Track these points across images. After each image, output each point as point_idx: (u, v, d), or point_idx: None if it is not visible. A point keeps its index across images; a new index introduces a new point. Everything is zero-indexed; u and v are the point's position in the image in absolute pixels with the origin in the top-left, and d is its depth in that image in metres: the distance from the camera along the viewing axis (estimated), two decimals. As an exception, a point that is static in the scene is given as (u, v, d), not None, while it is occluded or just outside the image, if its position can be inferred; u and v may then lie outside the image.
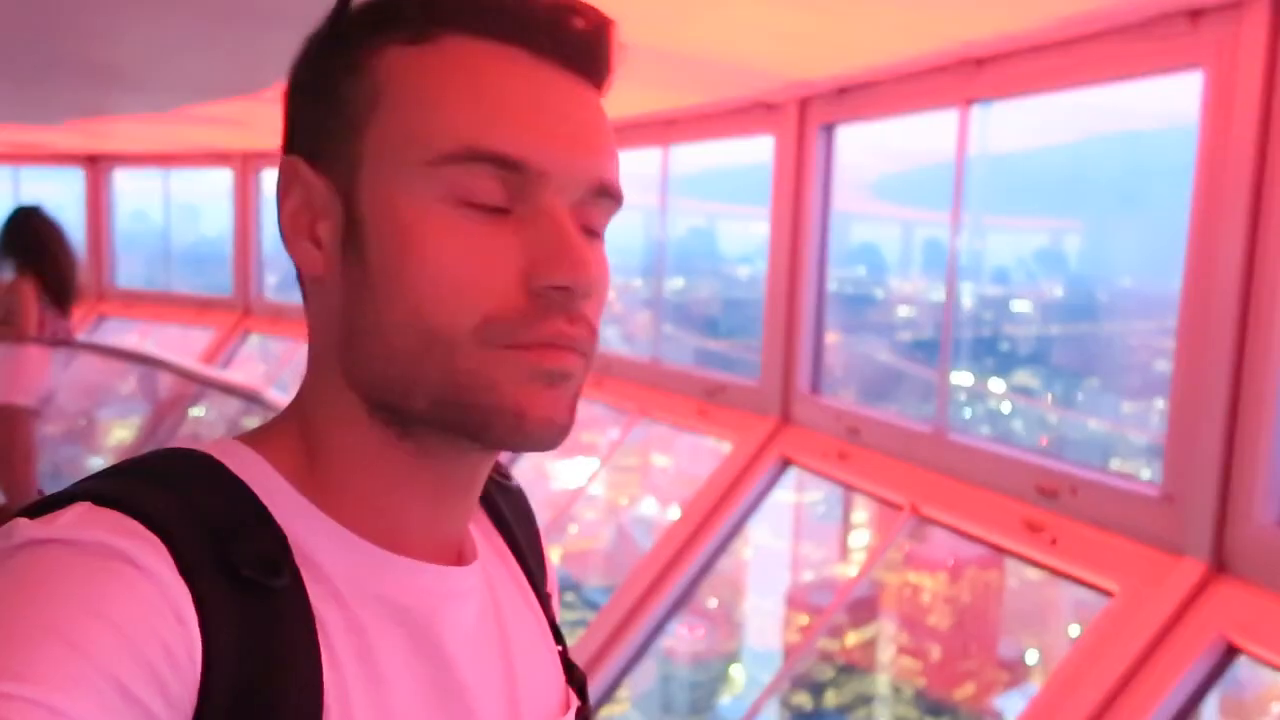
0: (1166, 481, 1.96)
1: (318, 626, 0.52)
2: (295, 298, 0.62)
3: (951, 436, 2.51)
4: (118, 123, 4.64)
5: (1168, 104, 2.52)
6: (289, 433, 0.59)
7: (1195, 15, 1.85)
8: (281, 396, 4.15)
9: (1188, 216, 1.87)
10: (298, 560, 0.53)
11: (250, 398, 3.51)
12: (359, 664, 0.54)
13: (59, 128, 5.03)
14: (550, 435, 0.55)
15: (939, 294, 4.01)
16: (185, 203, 6.80)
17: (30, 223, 4.21)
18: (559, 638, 0.71)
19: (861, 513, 3.77)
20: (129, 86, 3.60)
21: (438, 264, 0.53)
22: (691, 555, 3.00)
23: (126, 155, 6.23)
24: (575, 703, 0.69)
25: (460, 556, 0.62)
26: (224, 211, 5.98)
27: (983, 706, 3.24)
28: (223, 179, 5.93)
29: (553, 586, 0.75)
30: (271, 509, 0.54)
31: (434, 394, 0.54)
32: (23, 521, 0.48)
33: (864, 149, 3.43)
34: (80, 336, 5.30)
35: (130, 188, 6.62)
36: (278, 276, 5.98)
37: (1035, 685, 3.09)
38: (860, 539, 3.90)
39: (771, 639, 4.06)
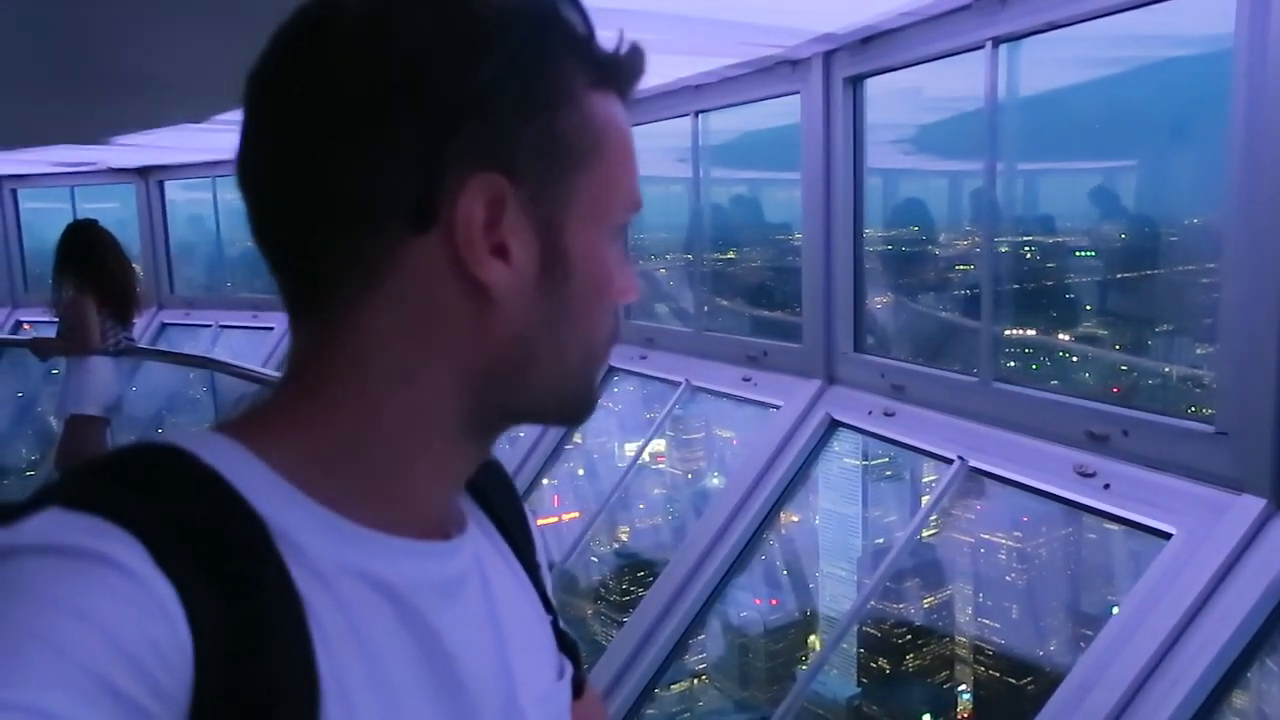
0: (1220, 418, 1.89)
1: (306, 609, 0.53)
2: None
3: (997, 386, 2.45)
4: (163, 134, 4.75)
5: (1208, 25, 2.41)
6: (289, 424, 0.58)
7: (1223, -73, 1.76)
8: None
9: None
10: (280, 545, 0.53)
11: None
12: (350, 642, 0.54)
13: (108, 146, 5.17)
14: None
15: (1004, 247, 3.90)
16: (238, 208, 6.96)
17: (85, 237, 4.35)
18: (549, 606, 0.72)
19: (930, 475, 3.72)
20: (169, 99, 3.69)
21: (611, 298, 0.63)
22: (744, 519, 2.99)
23: (175, 166, 6.38)
24: (569, 669, 0.70)
25: (446, 532, 0.63)
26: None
27: (1066, 664, 3.17)
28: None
29: (540, 557, 0.75)
30: (249, 496, 0.54)
31: (566, 397, 0.64)
32: None
33: (901, 103, 3.35)
34: (143, 344, 5.48)
35: (183, 197, 6.78)
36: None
37: (1119, 640, 3.02)
38: (929, 502, 3.86)
39: (846, 605, 4.04)
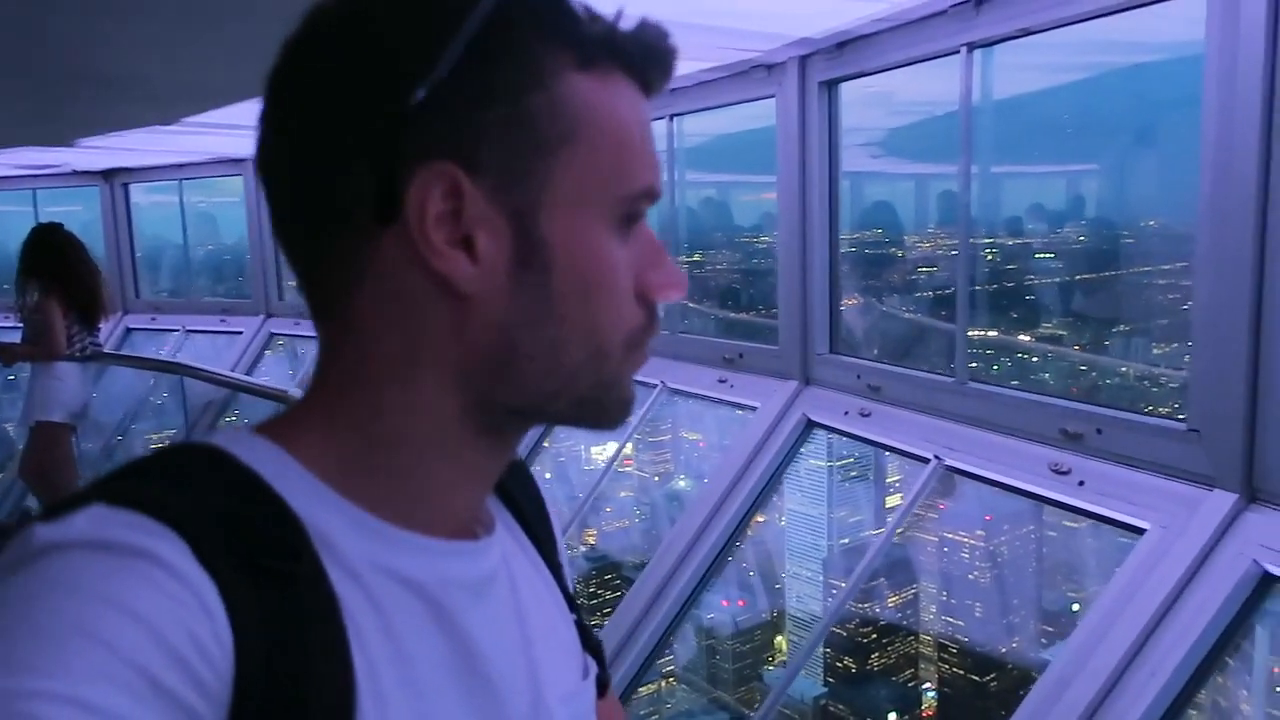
0: (1192, 416, 1.93)
1: (340, 606, 0.53)
2: None
3: (972, 386, 2.49)
4: (129, 136, 4.68)
5: (1173, 33, 2.47)
6: (323, 423, 0.59)
7: (1194, -64, 1.81)
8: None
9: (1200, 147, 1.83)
10: (315, 543, 0.54)
11: (279, 399, 3.55)
12: (383, 640, 0.55)
13: (73, 148, 5.09)
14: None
15: (954, 249, 3.95)
16: (203, 211, 6.87)
17: (51, 240, 4.28)
18: (573, 605, 0.72)
19: (895, 475, 3.76)
20: (135, 99, 3.64)
21: (611, 289, 0.59)
22: (721, 520, 3.00)
23: (141, 169, 6.29)
24: (594, 669, 0.70)
25: (474, 533, 0.64)
26: (239, 218, 6.04)
27: (1029, 660, 3.22)
28: (235, 185, 5.98)
29: (562, 556, 0.76)
30: (286, 497, 0.54)
31: (580, 397, 0.60)
32: (38, 527, 0.49)
33: (870, 107, 3.39)
34: (109, 349, 5.39)
35: (148, 200, 6.69)
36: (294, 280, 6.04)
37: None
38: (895, 501, 3.90)
39: (813, 606, 4.07)
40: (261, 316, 5.90)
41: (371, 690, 0.53)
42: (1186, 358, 3.08)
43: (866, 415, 2.78)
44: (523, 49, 0.54)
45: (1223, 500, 1.84)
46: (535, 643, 0.64)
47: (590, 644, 0.72)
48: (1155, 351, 3.37)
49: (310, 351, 5.91)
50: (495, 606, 0.62)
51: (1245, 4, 1.73)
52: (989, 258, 3.89)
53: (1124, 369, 3.37)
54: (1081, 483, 2.12)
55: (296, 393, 3.83)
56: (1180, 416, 2.02)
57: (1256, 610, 1.77)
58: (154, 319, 6.46)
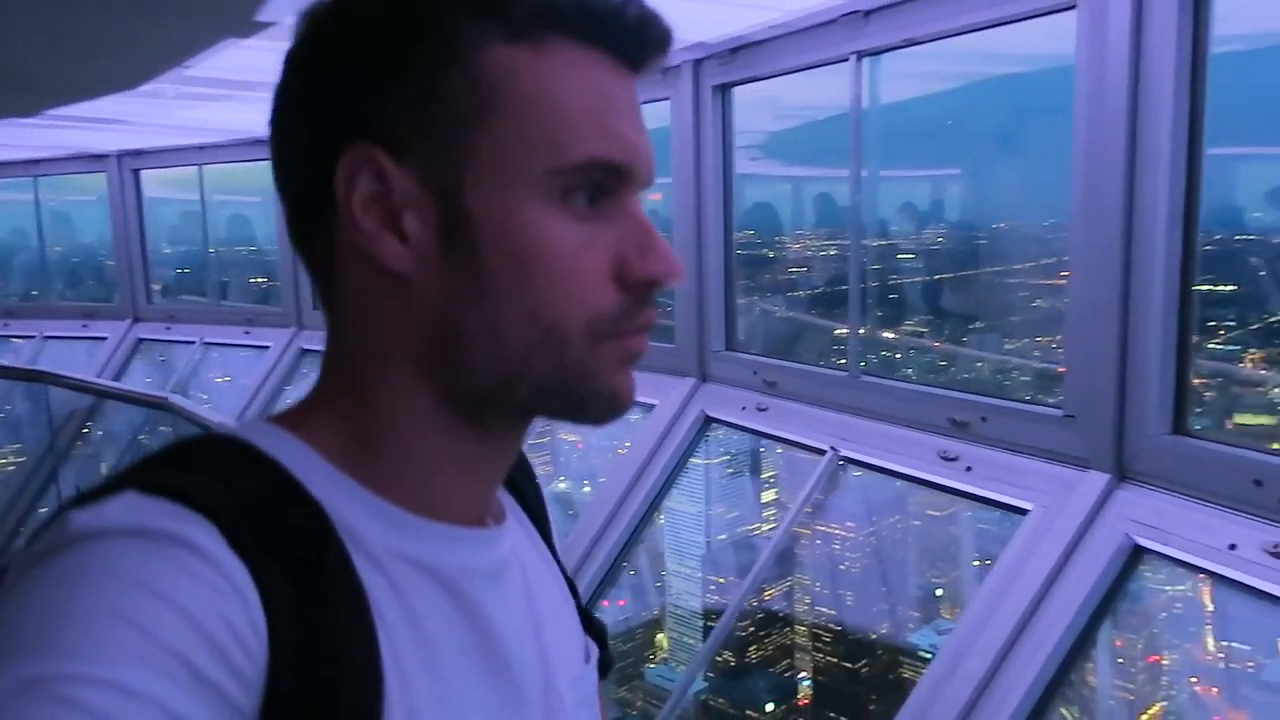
0: (1068, 402, 2.08)
1: (366, 594, 0.54)
2: (184, 302, 0.61)
3: (865, 379, 2.60)
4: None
5: (1035, 46, 2.63)
6: (330, 413, 0.60)
7: (1066, -43, 1.95)
8: (189, 402, 4.02)
9: (1059, 154, 1.97)
10: (340, 532, 0.55)
11: (157, 405, 3.39)
12: (407, 626, 0.56)
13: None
14: (627, 409, 0.60)
15: (830, 249, 4.09)
16: (55, 210, 6.47)
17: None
18: (574, 590, 0.74)
19: (770, 471, 3.88)
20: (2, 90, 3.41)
21: (557, 266, 0.55)
22: (621, 521, 3.04)
23: (-7, 163, 5.89)
24: (595, 652, 0.72)
25: (487, 520, 0.65)
26: (96, 217, 5.72)
27: (898, 644, 3.38)
28: (92, 183, 5.66)
29: (557, 543, 0.77)
30: (308, 485, 0.55)
31: (540, 384, 0.57)
32: (73, 514, 0.49)
33: (753, 110, 3.49)
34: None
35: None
36: (161, 283, 5.76)
37: (945, 619, 3.24)
38: (770, 496, 4.03)
39: (692, 603, 4.15)
40: (129, 321, 5.60)
41: (398, 675, 0.54)
42: (1036, 352, 3.31)
43: (764, 410, 2.87)
44: (439, 27, 0.54)
45: (1097, 480, 1.99)
46: (545, 627, 0.66)
47: (593, 628, 0.74)
48: (1007, 346, 3.59)
49: (183, 357, 5.66)
50: (509, 592, 0.63)
51: (1112, 22, 1.88)
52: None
53: (980, 364, 3.57)
54: (969, 468, 2.26)
55: (176, 398, 3.66)
56: (1041, 404, 2.17)
57: (1129, 579, 1.93)
58: (6, 324, 6.05)
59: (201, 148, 5.20)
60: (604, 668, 0.74)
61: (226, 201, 5.90)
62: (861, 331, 2.71)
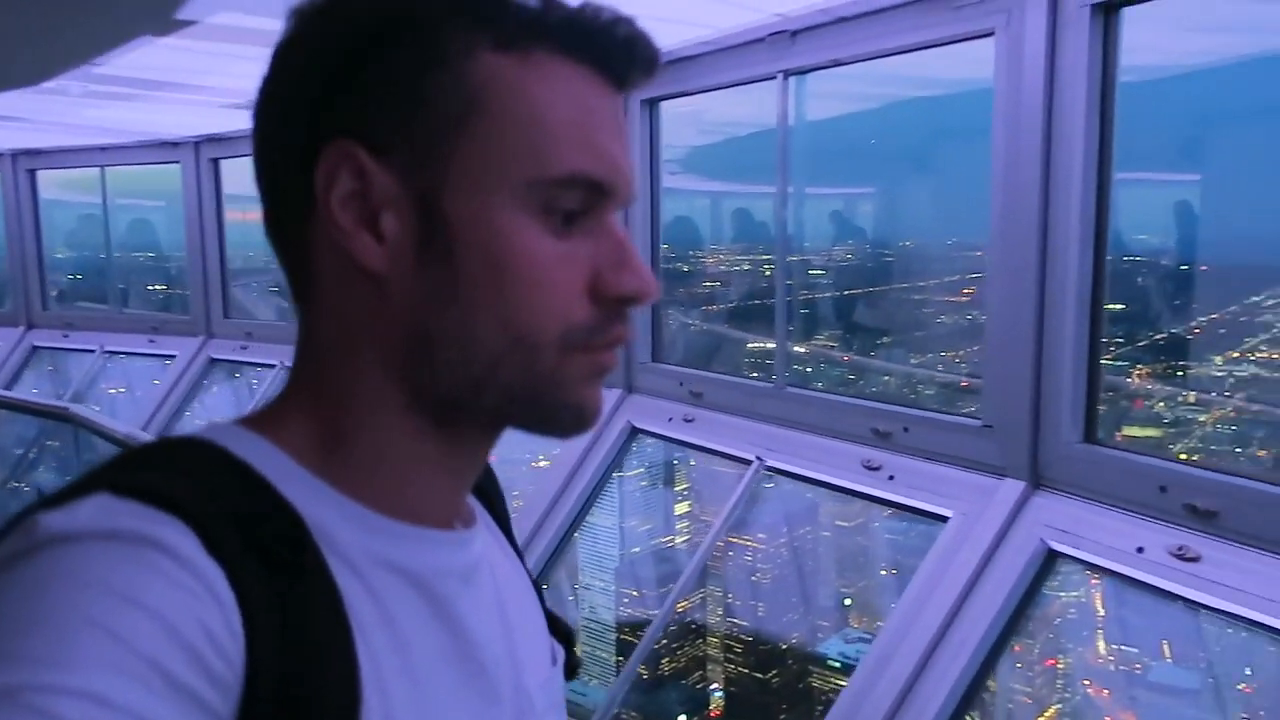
0: (986, 413, 2.16)
1: (343, 598, 0.53)
2: (82, 308, 0.60)
3: (790, 390, 2.65)
4: None
5: (950, 70, 2.74)
6: (300, 413, 0.59)
7: (986, -14, 2.04)
8: (93, 412, 3.84)
9: (965, 175, 2.05)
10: (314, 535, 0.54)
11: (57, 416, 3.23)
12: (383, 630, 0.55)
13: None
14: (595, 423, 0.61)
15: (745, 264, 4.16)
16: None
17: None
18: (539, 593, 0.74)
19: (684, 483, 3.92)
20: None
21: (531, 276, 0.56)
22: (547, 533, 3.03)
23: None
24: (561, 654, 0.72)
25: (457, 524, 0.64)
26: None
27: (806, 654, 3.44)
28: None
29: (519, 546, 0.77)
30: (281, 489, 0.54)
31: (508, 393, 0.57)
32: (42, 516, 0.47)
33: (677, 125, 3.54)
34: None
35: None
36: (56, 289, 5.50)
37: (853, 627, 3.31)
38: (684, 509, 4.08)
39: (605, 615, 4.16)
40: (22, 328, 5.34)
41: (375, 680, 0.53)
42: (940, 366, 3.43)
43: (690, 421, 2.90)
44: (428, 30, 0.54)
45: (1013, 488, 2.08)
46: (514, 630, 0.66)
47: (559, 631, 0.74)
48: (913, 361, 3.73)
49: (79, 366, 5.41)
50: (481, 594, 0.63)
51: (1028, 49, 1.97)
52: (767, 273, 4.15)
53: (887, 378, 3.69)
54: (891, 477, 2.32)
55: (77, 408, 3.50)
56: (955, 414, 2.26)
57: (1045, 582, 2.01)
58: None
59: (105, 149, 5.00)
60: (570, 670, 0.75)
61: (128, 205, 5.69)
62: (791, 345, 2.76)
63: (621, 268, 0.58)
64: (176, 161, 4.80)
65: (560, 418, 0.59)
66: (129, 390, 5.44)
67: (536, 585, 0.74)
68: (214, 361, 4.84)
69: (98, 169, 5.20)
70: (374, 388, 0.58)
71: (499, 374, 0.56)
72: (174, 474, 0.51)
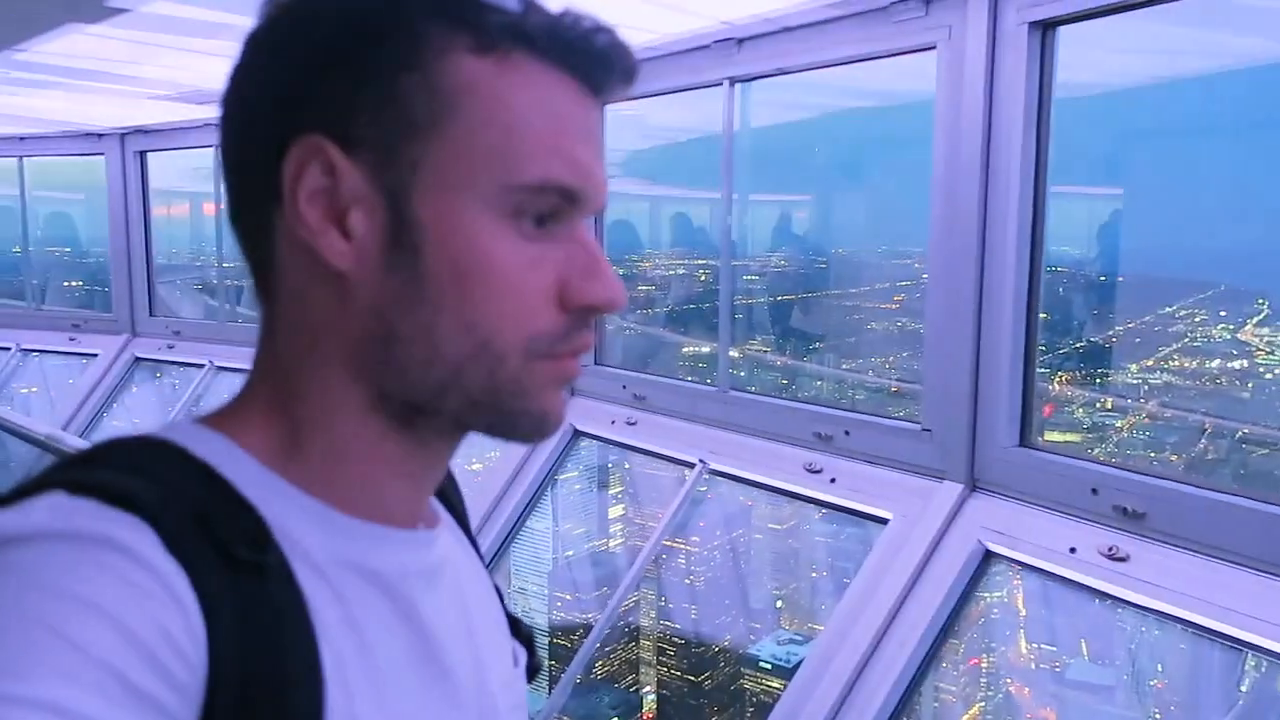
0: (926, 418, 2.22)
1: (306, 600, 0.53)
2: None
3: (733, 394, 2.68)
4: None
5: (887, 82, 2.80)
6: (260, 413, 0.58)
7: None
8: (9, 411, 3.69)
9: (898, 185, 2.10)
10: (277, 537, 0.53)
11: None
12: (347, 632, 0.54)
13: None
14: (556, 430, 0.60)
15: (679, 269, 4.19)
16: None
17: None
18: (500, 595, 0.74)
19: (618, 487, 3.94)
20: None
21: (498, 281, 0.55)
22: (487, 536, 3.01)
23: None
24: (523, 656, 0.72)
25: (419, 525, 0.64)
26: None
27: (739, 656, 3.48)
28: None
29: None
30: (241, 488, 0.53)
31: (471, 396, 0.56)
32: None
33: (618, 128, 3.55)
34: None
35: None
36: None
37: (784, 629, 3.36)
38: (618, 512, 4.10)
39: (538, 620, 4.16)
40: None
41: (339, 681, 0.52)
42: (871, 371, 3.51)
43: (633, 424, 2.91)
44: (406, 29, 0.54)
45: (951, 490, 2.13)
46: (477, 631, 0.66)
47: (520, 632, 0.74)
48: (844, 366, 3.81)
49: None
50: (445, 595, 0.63)
51: (968, 64, 2.03)
52: (703, 278, 4.19)
53: (820, 383, 3.76)
54: (833, 480, 2.36)
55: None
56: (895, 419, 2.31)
57: (982, 581, 2.07)
58: None
59: (24, 138, 4.81)
60: (532, 672, 0.75)
61: (44, 197, 5.48)
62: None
63: (591, 276, 0.57)
64: (101, 154, 4.64)
65: (521, 424, 0.58)
66: (43, 390, 5.24)
67: (497, 587, 0.74)
68: (139, 360, 4.69)
69: (15, 159, 5.00)
70: (337, 387, 0.57)
71: (462, 378, 0.56)
72: (132, 472, 0.50)
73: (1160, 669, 2.21)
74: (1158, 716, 2.29)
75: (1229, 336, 2.54)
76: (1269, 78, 2.28)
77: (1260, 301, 2.57)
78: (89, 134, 4.63)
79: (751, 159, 3.32)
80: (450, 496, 0.73)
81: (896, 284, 3.53)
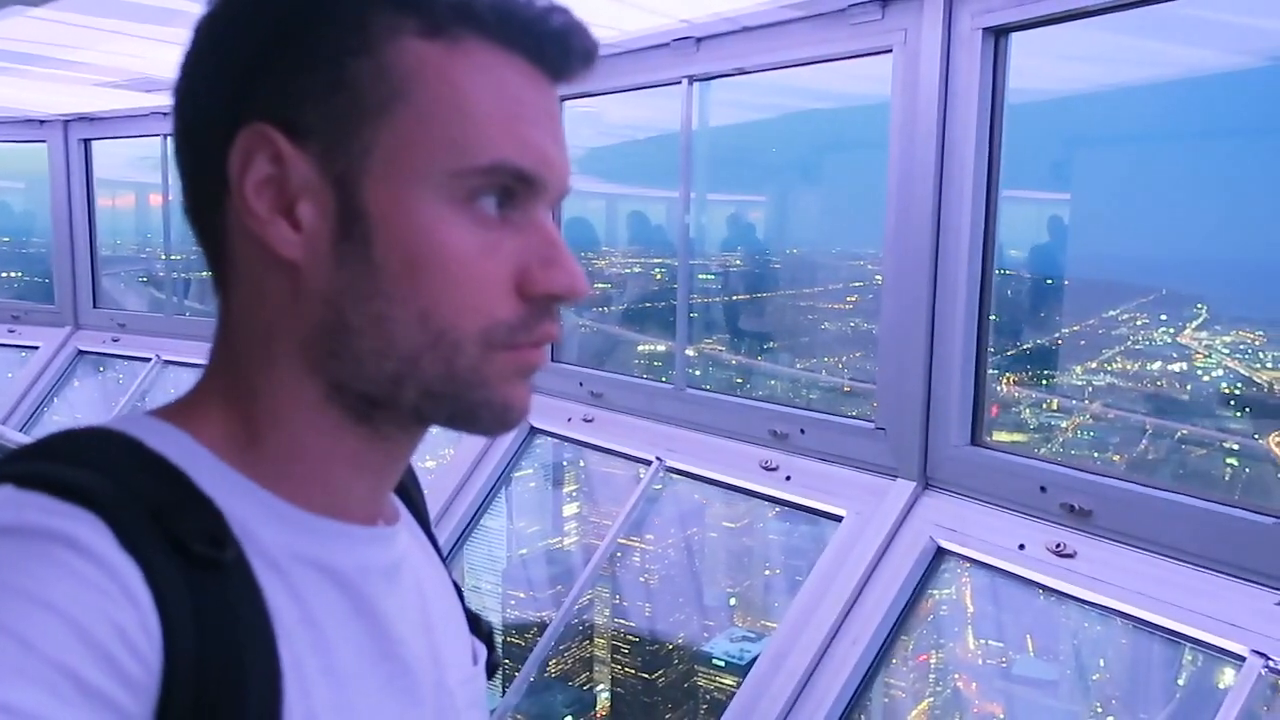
0: (880, 416, 2.25)
1: (264, 596, 0.52)
2: None
3: (690, 392, 2.69)
4: None
5: (843, 84, 2.83)
6: (215, 406, 0.57)
7: (886, 1, 2.11)
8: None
9: (852, 186, 2.13)
10: (235, 532, 0.52)
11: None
12: (305, 629, 0.54)
13: None
14: (519, 422, 0.59)
15: (636, 267, 4.19)
16: None
17: None
18: (459, 594, 0.74)
19: (573, 485, 3.94)
20: None
21: (452, 270, 0.54)
22: (445, 531, 2.98)
23: None
24: (483, 654, 0.72)
25: (379, 521, 0.63)
26: None
27: (692, 654, 3.50)
28: None
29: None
30: (199, 482, 0.52)
31: (427, 388, 0.55)
32: None
33: (575, 124, 3.54)
34: None
35: None
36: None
37: (738, 626, 3.38)
38: (572, 510, 4.10)
39: (492, 618, 4.15)
40: None
41: (297, 679, 0.52)
42: (824, 370, 3.55)
43: (589, 421, 2.91)
44: (351, 14, 0.53)
45: (904, 488, 2.16)
46: (436, 629, 0.65)
47: (480, 630, 0.73)
48: (798, 365, 3.85)
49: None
50: (404, 592, 0.63)
51: (923, 67, 2.06)
52: (658, 276, 4.20)
53: (773, 382, 3.79)
54: (788, 478, 2.38)
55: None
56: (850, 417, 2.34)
57: (933, 578, 2.10)
58: None
59: (-42, 124, 4.66)
60: (491, 669, 0.75)
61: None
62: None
63: (551, 264, 0.56)
64: (43, 140, 4.52)
65: (482, 416, 0.57)
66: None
67: (456, 585, 0.74)
68: (82, 353, 4.58)
69: (-49, 146, 4.85)
70: (290, 377, 0.56)
71: (418, 370, 0.55)
72: (84, 465, 0.49)
73: (1102, 663, 2.27)
74: (1099, 710, 2.35)
75: (1169, 340, 2.61)
76: (1211, 88, 2.35)
77: (1199, 306, 2.65)
78: (30, 120, 4.50)
79: (709, 158, 3.33)
80: (410, 492, 0.72)
81: (850, 285, 3.57)
